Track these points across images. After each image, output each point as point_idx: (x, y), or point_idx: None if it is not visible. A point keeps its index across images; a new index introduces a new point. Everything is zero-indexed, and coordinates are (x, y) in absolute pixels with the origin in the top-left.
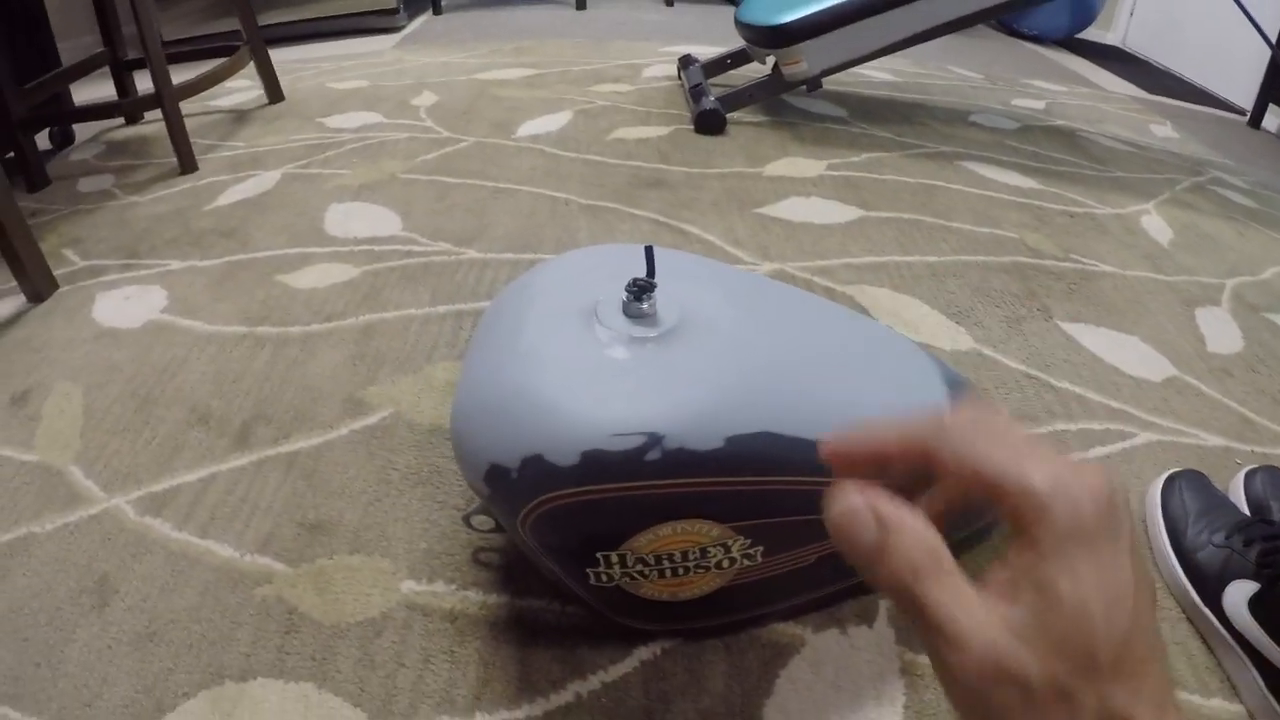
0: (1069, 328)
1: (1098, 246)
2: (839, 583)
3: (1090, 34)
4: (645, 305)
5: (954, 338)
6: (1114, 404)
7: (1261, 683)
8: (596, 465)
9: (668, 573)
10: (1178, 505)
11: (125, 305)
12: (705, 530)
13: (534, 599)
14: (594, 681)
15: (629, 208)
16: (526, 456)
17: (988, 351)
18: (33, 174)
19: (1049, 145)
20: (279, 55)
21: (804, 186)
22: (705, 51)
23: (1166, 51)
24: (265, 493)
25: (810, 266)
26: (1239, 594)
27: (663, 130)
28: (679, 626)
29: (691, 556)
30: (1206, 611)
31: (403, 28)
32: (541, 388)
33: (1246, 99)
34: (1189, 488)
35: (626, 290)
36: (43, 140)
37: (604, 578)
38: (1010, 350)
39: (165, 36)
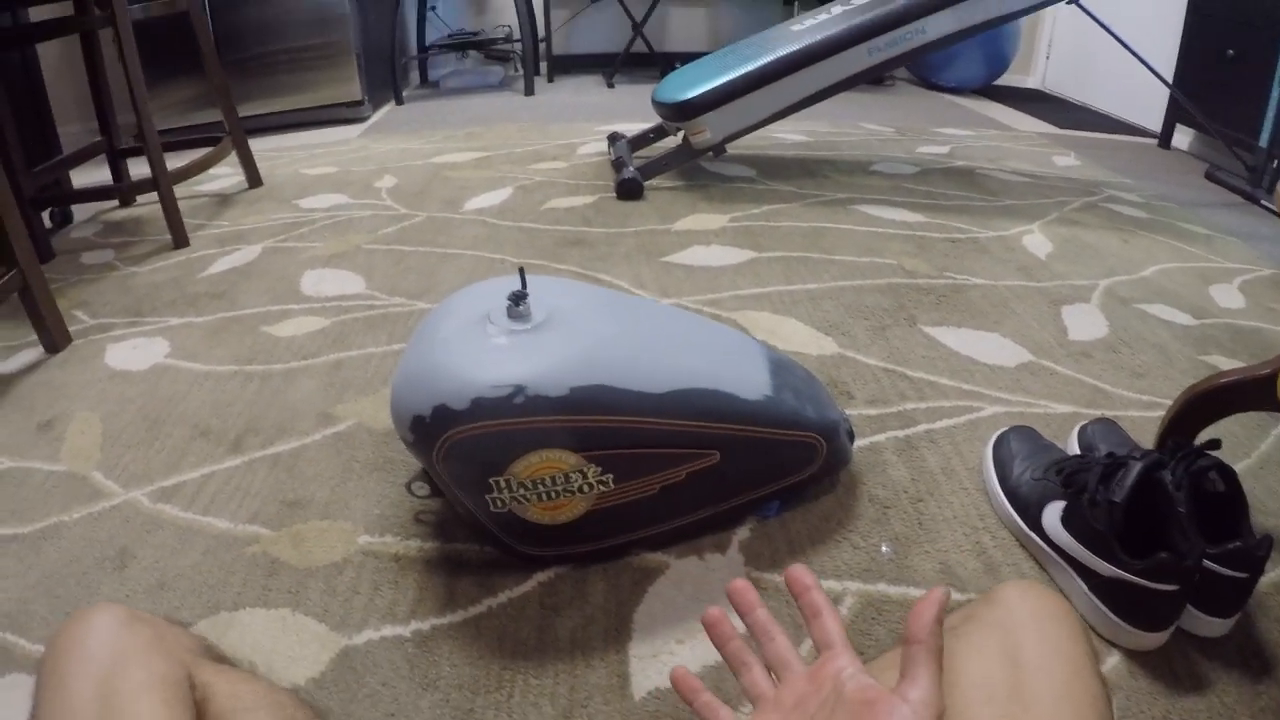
0: (931, 330)
1: (974, 265)
2: (685, 516)
3: (1010, 79)
4: (520, 308)
5: (821, 345)
6: (965, 386)
7: (1082, 584)
8: (481, 407)
9: (544, 496)
10: (1005, 452)
11: (133, 353)
12: (564, 458)
13: (460, 544)
14: (502, 598)
15: (554, 263)
16: (435, 405)
17: (850, 354)
18: (40, 248)
19: (945, 184)
20: (256, 144)
21: (707, 237)
22: (636, 128)
23: (1082, 88)
24: (254, 482)
25: (702, 299)
26: (1053, 513)
27: (589, 199)
28: (564, 550)
29: (559, 481)
30: (1031, 534)
31: (368, 118)
32: (445, 360)
33: (1157, 123)
34: (1016, 438)
35: (507, 299)
36: (44, 221)
37: (499, 503)
38: (872, 352)
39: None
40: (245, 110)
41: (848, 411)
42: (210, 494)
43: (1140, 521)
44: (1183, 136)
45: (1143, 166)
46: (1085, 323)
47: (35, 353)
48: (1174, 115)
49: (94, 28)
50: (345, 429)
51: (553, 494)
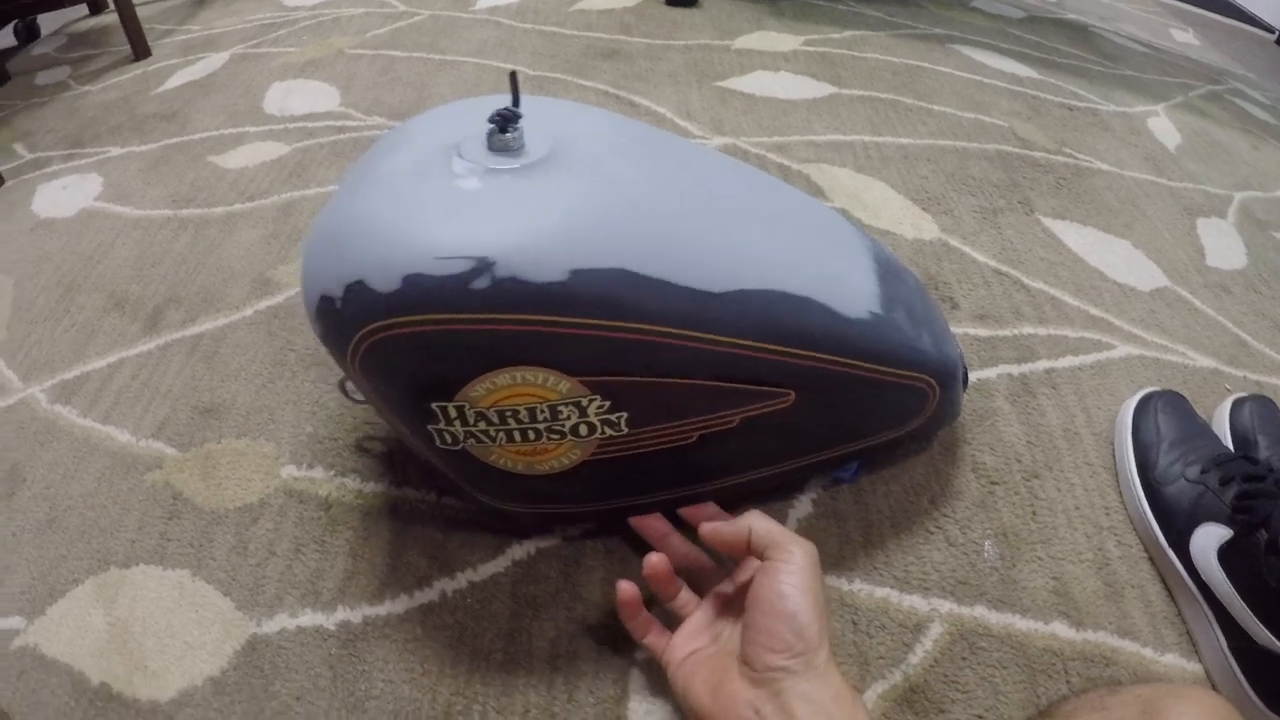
0: (1052, 224)
1: (1096, 143)
2: (725, 478)
3: None
4: (509, 136)
5: (917, 225)
6: (1093, 310)
7: (1223, 640)
8: (417, 291)
9: (516, 435)
10: (1150, 430)
11: (62, 194)
12: (551, 382)
13: (410, 489)
14: (461, 580)
15: (578, 79)
16: (350, 283)
17: (954, 242)
18: None
19: (1056, 37)
20: None
21: (774, 61)
22: None
23: None
24: (166, 377)
25: (765, 143)
26: (1208, 539)
27: (630, 1)
28: (550, 509)
29: (541, 416)
30: (1171, 554)
31: None
32: (372, 212)
33: (1277, 17)
34: (1165, 410)
35: (489, 120)
36: (8, 36)
37: (447, 437)
38: (981, 243)
39: None
40: None
41: (952, 328)
42: (115, 391)
43: None
44: None
45: (1263, 63)
46: (1223, 245)
47: None
48: None
49: None
50: (283, 301)
51: (530, 433)
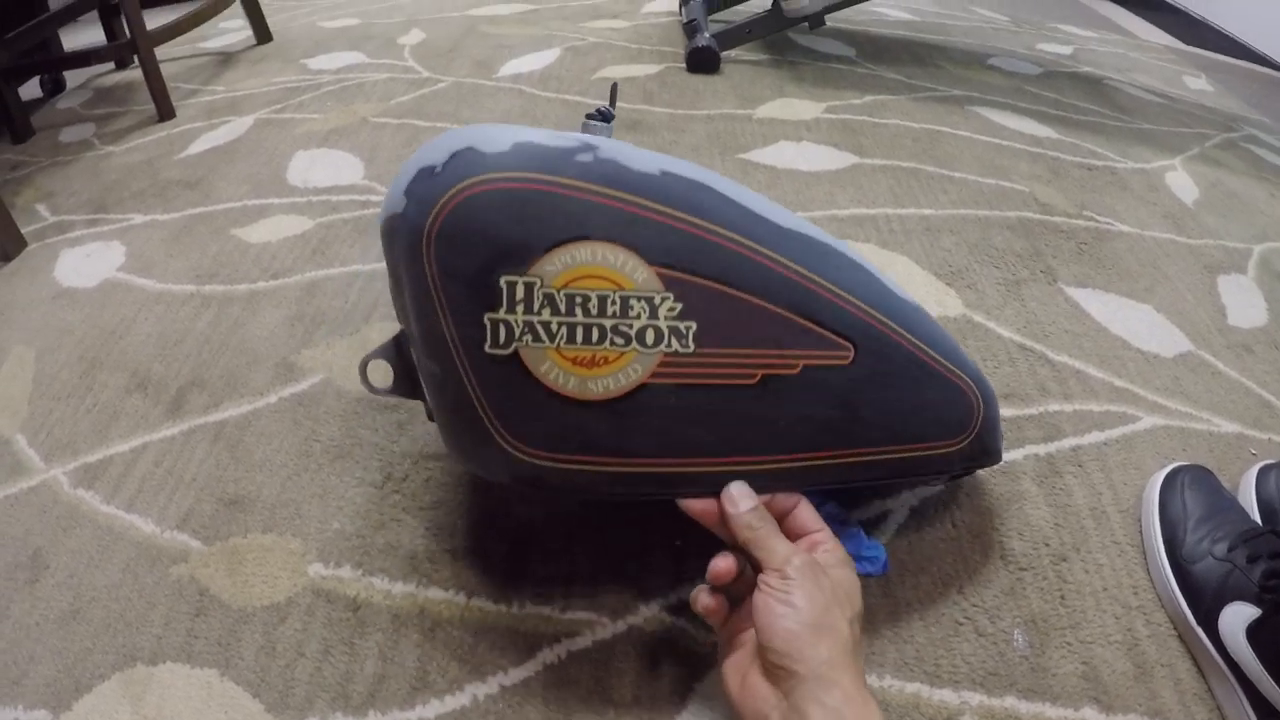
0: (1075, 293)
1: (1115, 203)
2: (780, 452)
3: None
4: (605, 125)
5: (942, 301)
6: (1118, 382)
7: (1254, 718)
8: (525, 152)
9: (579, 333)
10: (1177, 507)
11: (85, 263)
12: (630, 268)
13: (438, 590)
14: (492, 684)
15: None
16: (457, 150)
17: (979, 318)
18: (16, 125)
19: (1072, 92)
20: None
21: (796, 130)
22: None
23: (1210, 3)
24: (190, 465)
25: None
26: (1237, 618)
27: (653, 69)
28: (582, 463)
29: (610, 308)
30: (1200, 632)
31: None
32: (485, 125)
33: None
34: (1192, 486)
35: (586, 117)
36: (34, 88)
37: (501, 334)
38: (1005, 317)
39: None
40: None
41: None
42: (139, 477)
43: None
44: None
45: (1278, 106)
46: (1244, 302)
47: None
48: None
49: None
50: (308, 389)
51: (594, 332)
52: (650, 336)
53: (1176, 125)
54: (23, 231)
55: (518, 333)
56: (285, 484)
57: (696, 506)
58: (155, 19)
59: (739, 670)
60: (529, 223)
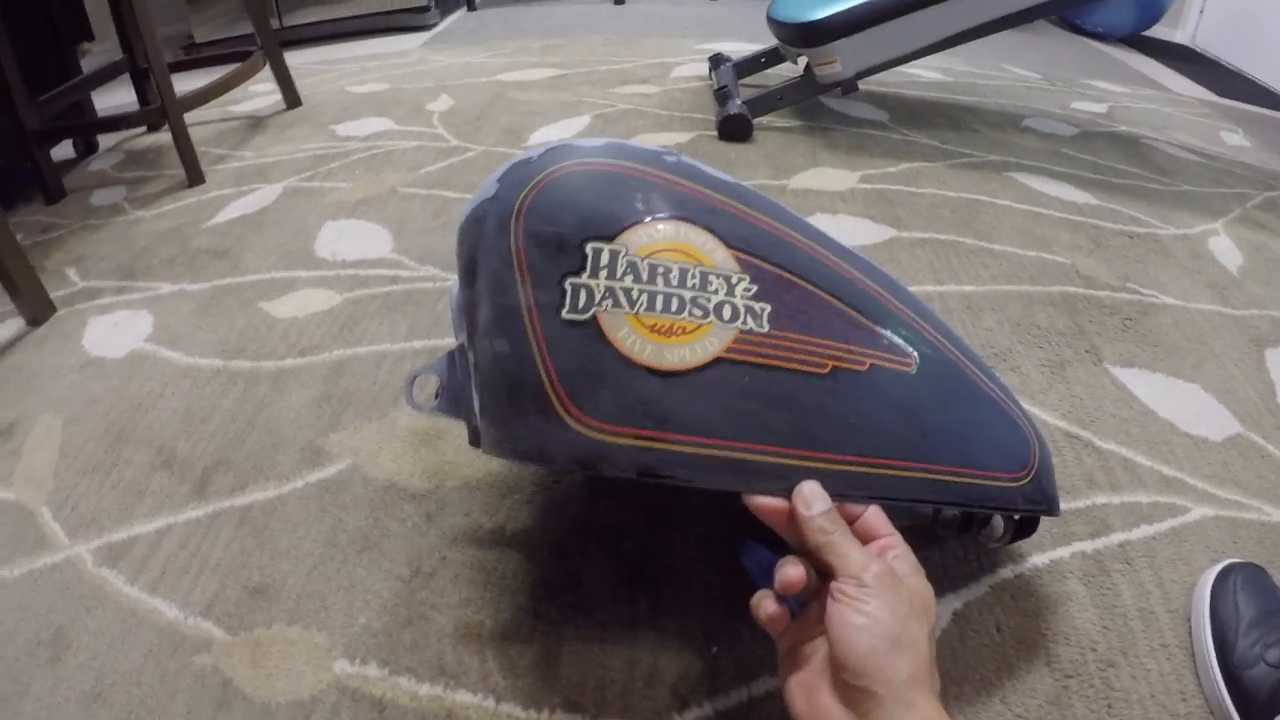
0: (1120, 373)
1: (1159, 274)
2: (847, 452)
3: (1157, 31)
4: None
5: None
6: (1166, 470)
7: None
8: (617, 147)
9: (659, 300)
10: (1229, 609)
11: (113, 332)
12: (709, 247)
13: (466, 693)
14: None
15: None
16: (553, 145)
17: (1024, 404)
18: (49, 187)
19: (1109, 154)
20: (305, 57)
21: (832, 202)
22: (742, 49)
23: (1240, 52)
24: (215, 549)
25: None
26: None
27: (684, 136)
28: (650, 439)
29: (690, 280)
30: None
31: (434, 25)
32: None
33: None
34: (1245, 587)
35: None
36: (68, 148)
37: (582, 297)
38: (1050, 402)
39: (198, 38)
40: (297, 19)
41: None
42: (163, 559)
43: None
44: None
45: None
46: None
47: (17, 325)
48: None
49: None
50: (335, 474)
51: (674, 302)
52: (727, 311)
53: (1217, 186)
54: (52, 296)
55: (598, 297)
56: (311, 574)
57: (766, 504)
58: (187, 82)
59: (805, 687)
60: (618, 198)
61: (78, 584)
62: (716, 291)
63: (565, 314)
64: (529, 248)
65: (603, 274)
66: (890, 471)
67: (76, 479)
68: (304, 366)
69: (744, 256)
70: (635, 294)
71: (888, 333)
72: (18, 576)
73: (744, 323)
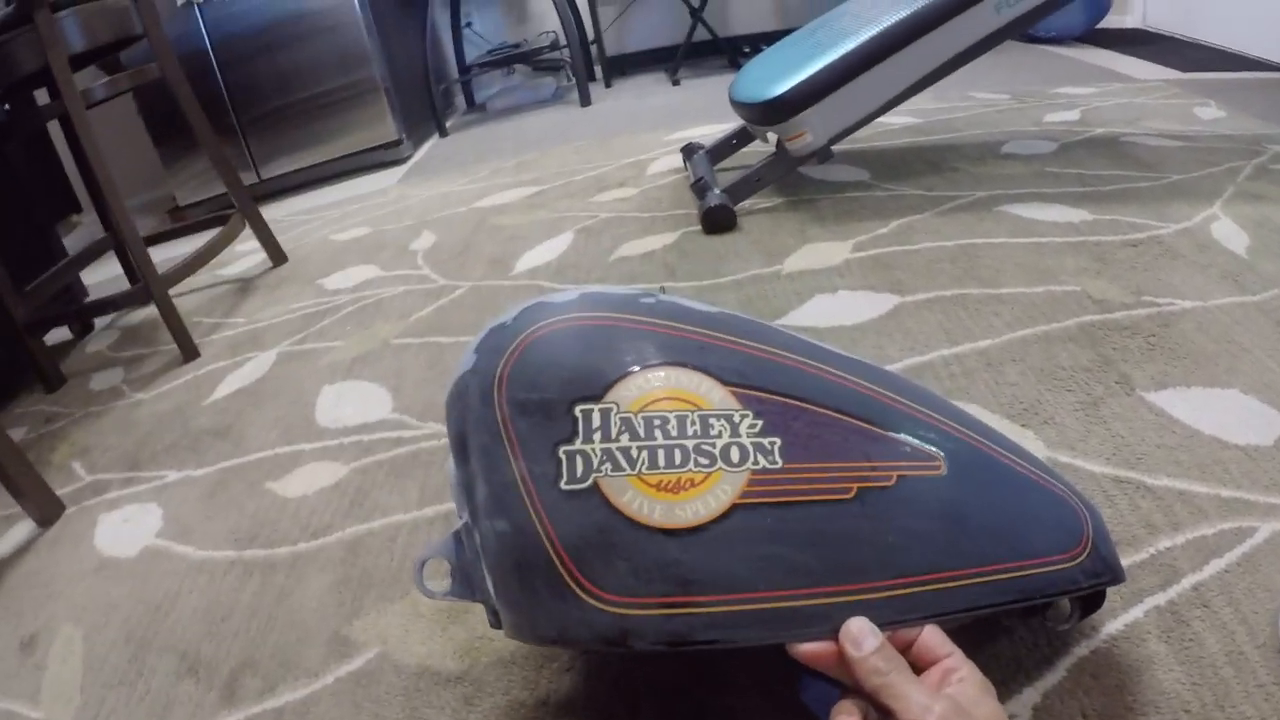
0: (1155, 398)
1: (1170, 277)
2: (890, 575)
3: (1109, 22)
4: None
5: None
6: (1224, 492)
7: None
8: (592, 299)
9: (660, 456)
10: None
11: (124, 529)
12: (705, 389)
13: None
14: None
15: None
16: (527, 306)
17: (1065, 458)
18: (47, 376)
19: (1092, 162)
20: (288, 207)
21: (829, 280)
22: (713, 131)
23: (1192, 22)
24: None
25: None
26: None
27: (669, 237)
28: (678, 607)
29: (691, 428)
30: None
31: (409, 157)
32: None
33: None
34: None
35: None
36: (64, 331)
37: (579, 466)
38: (1091, 449)
39: (179, 200)
40: (273, 170)
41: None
42: None
43: None
44: None
45: None
46: None
47: (27, 527)
48: None
49: (46, 119)
50: (365, 665)
51: (676, 455)
52: (735, 454)
53: (1204, 167)
54: (61, 493)
55: (596, 462)
56: None
57: (811, 651)
58: (173, 250)
59: None
60: (601, 352)
61: None
62: (720, 435)
63: (564, 485)
64: (515, 418)
65: (597, 437)
66: (940, 586)
67: (103, 694)
68: (319, 549)
69: (743, 391)
70: (634, 453)
71: (907, 438)
72: None
73: (755, 462)
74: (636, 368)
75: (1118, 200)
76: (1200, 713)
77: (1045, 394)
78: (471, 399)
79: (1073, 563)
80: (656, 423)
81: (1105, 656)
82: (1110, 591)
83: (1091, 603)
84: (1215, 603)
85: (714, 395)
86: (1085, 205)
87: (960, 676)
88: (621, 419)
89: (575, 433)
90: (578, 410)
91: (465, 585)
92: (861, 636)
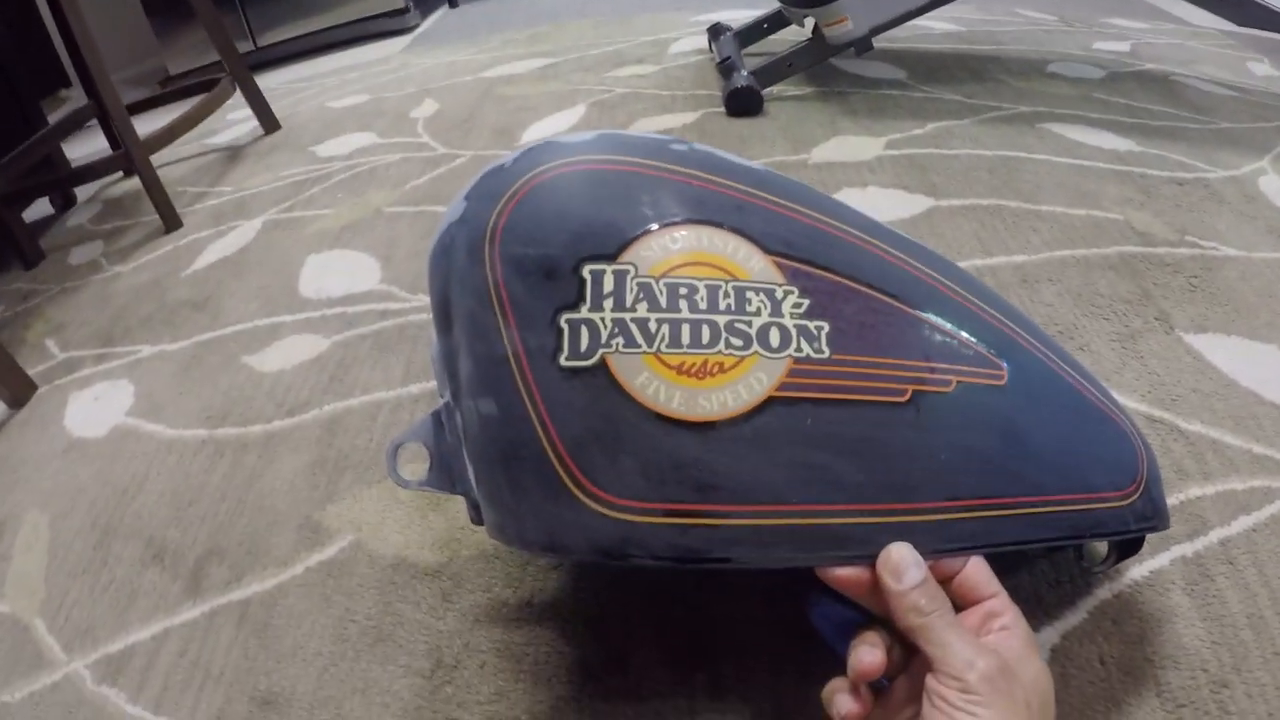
0: (1194, 340)
1: (1216, 222)
2: (950, 496)
3: None
4: None
5: None
6: (1256, 448)
7: None
8: (612, 141)
9: (685, 332)
10: None
11: (94, 407)
12: (743, 255)
13: None
14: None
15: None
16: (534, 145)
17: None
18: (25, 251)
19: (1142, 95)
20: (285, 75)
21: (859, 174)
22: (743, 16)
23: None
24: (217, 654)
25: None
26: None
27: (689, 116)
28: (690, 515)
29: (724, 301)
30: None
31: (415, 27)
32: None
33: None
34: None
35: None
36: (46, 205)
37: (584, 337)
38: (1127, 382)
39: (171, 70)
40: (271, 38)
41: None
42: (163, 671)
43: None
44: None
45: None
46: None
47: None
48: None
49: None
50: (338, 554)
51: (705, 331)
52: (775, 337)
53: (1256, 120)
54: (33, 372)
55: (605, 335)
56: (322, 676)
57: (846, 576)
58: (159, 119)
59: None
60: (619, 203)
61: (79, 707)
62: (759, 312)
63: (564, 361)
64: (509, 278)
65: (608, 304)
66: (992, 513)
67: (67, 583)
68: (294, 427)
69: (787, 262)
70: (653, 326)
71: (973, 339)
72: (19, 701)
73: (797, 348)
74: (661, 224)
75: (1166, 136)
76: (1217, 674)
77: (1082, 319)
78: (457, 255)
79: (1125, 502)
80: (682, 291)
81: (1128, 602)
82: None
83: (1129, 547)
84: (1240, 560)
85: (753, 263)
86: (1132, 136)
87: (1004, 624)
88: (639, 284)
89: (582, 298)
90: (586, 271)
91: (444, 475)
92: (904, 567)
